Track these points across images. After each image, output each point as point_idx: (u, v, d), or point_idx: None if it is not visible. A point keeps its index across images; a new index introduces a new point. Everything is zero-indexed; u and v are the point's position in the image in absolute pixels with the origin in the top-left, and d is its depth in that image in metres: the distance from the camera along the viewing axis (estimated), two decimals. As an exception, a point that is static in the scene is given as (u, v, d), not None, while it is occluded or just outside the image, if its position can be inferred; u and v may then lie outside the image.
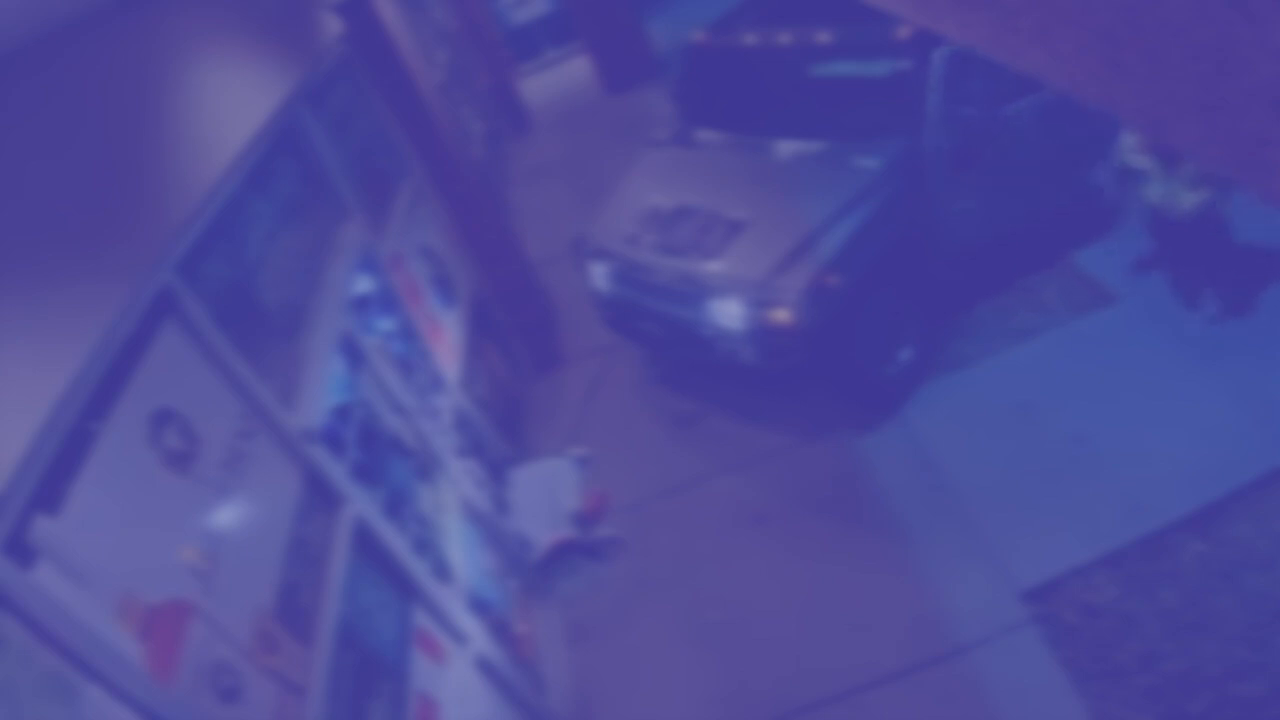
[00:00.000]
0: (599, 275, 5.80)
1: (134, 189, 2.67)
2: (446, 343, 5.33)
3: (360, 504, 3.33)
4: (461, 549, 4.23)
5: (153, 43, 3.10)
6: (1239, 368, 4.49)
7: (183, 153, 3.01)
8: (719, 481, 5.29)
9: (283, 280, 3.51)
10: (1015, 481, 4.46)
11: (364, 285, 4.32)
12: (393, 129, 5.57)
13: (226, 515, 2.55)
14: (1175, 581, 3.77)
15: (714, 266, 5.02)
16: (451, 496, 4.41)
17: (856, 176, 4.95)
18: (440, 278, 5.65)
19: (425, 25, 8.57)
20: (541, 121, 11.85)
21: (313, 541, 2.96)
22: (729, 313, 4.93)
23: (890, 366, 5.17)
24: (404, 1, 6.54)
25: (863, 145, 5.07)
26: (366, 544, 3.27)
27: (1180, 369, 4.65)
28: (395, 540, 3.50)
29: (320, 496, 3.12)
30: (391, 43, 5.33)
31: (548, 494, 5.26)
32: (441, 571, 3.86)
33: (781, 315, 4.72)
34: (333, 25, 5.04)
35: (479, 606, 4.10)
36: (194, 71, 3.31)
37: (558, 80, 12.97)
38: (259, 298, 3.28)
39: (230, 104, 3.48)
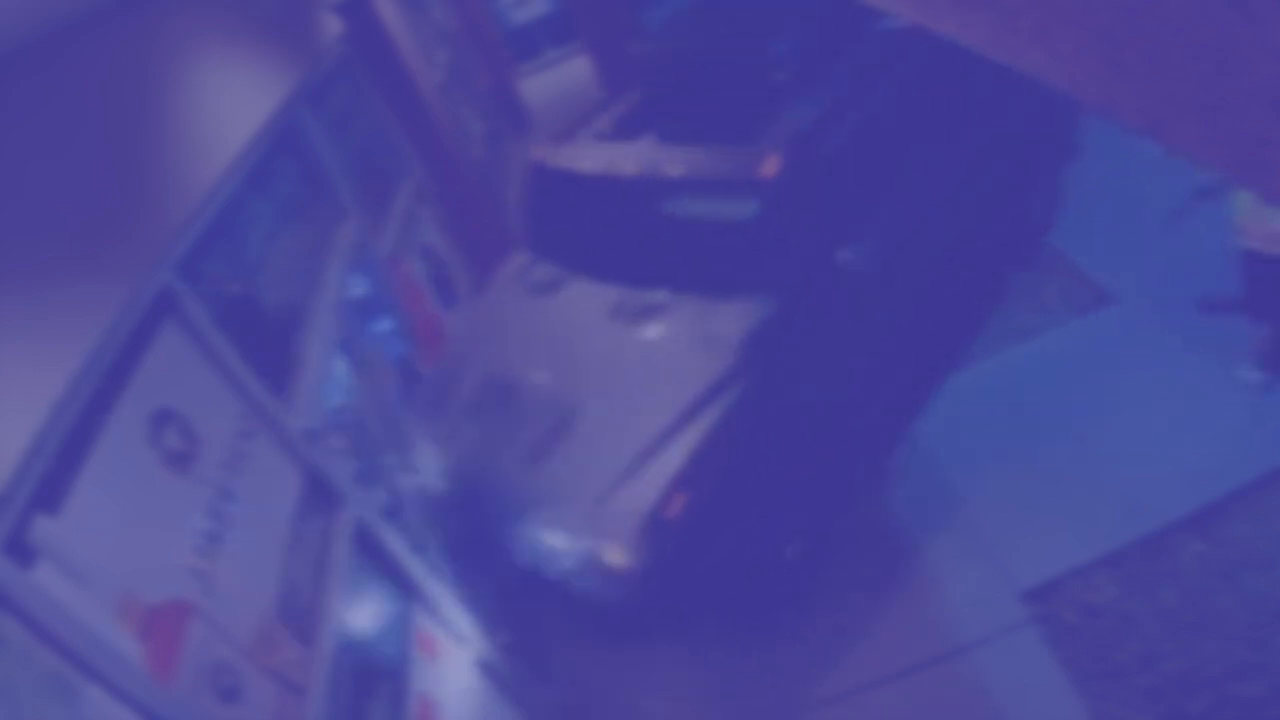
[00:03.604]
0: (428, 462, 4.38)
1: (134, 189, 2.67)
2: (446, 343, 5.32)
3: (360, 504, 3.33)
4: (461, 549, 4.23)
5: (153, 43, 3.10)
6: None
7: (183, 153, 3.01)
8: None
9: (282, 280, 3.51)
10: (1015, 481, 4.46)
11: (363, 285, 4.32)
12: (393, 129, 5.57)
13: (227, 515, 2.55)
14: (1175, 581, 3.77)
15: (539, 477, 3.93)
16: (451, 496, 4.40)
17: (716, 352, 3.94)
18: (440, 278, 5.65)
19: (425, 25, 8.56)
20: (541, 121, 11.85)
21: (313, 541, 2.96)
22: (555, 543, 3.81)
23: (773, 569, 4.17)
24: (404, 1, 6.54)
25: (725, 308, 4.08)
26: (366, 544, 3.28)
27: (1180, 368, 4.64)
28: (395, 540, 3.50)
29: (320, 497, 3.12)
30: (391, 43, 5.33)
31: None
32: (440, 571, 3.86)
33: (614, 556, 3.61)
34: (333, 25, 5.04)
35: (479, 606, 4.10)
36: (194, 71, 3.31)
37: (558, 80, 12.96)
38: (259, 298, 3.28)
39: (230, 104, 3.48)
